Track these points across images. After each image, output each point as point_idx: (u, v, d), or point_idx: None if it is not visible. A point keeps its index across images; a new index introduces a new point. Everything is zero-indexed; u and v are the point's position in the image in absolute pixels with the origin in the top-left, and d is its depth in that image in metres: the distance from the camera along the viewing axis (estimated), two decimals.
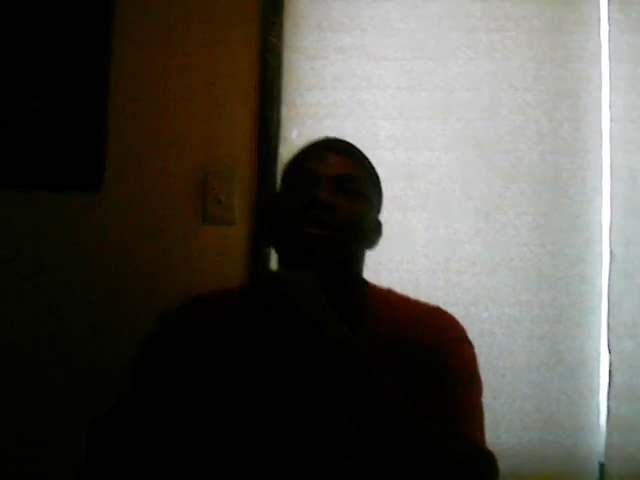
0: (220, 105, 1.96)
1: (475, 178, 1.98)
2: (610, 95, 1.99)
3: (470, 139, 1.98)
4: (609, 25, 2.00)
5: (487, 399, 1.33)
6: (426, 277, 1.95)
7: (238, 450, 1.23)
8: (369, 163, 1.41)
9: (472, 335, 1.38)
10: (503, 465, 1.29)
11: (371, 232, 1.39)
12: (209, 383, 1.30)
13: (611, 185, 1.97)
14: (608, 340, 1.92)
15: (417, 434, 1.16)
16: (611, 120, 1.98)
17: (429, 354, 1.28)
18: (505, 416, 1.89)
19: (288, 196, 1.33)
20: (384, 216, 1.49)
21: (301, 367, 1.26)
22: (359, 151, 1.41)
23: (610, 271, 1.94)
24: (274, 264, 1.90)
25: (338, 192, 1.29)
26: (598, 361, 1.93)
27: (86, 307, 1.92)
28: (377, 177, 1.42)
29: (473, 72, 2.01)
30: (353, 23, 2.02)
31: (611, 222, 1.96)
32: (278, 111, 1.99)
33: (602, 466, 1.90)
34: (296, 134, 1.97)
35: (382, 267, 1.92)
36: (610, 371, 1.91)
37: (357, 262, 1.38)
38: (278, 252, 1.38)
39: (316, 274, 1.20)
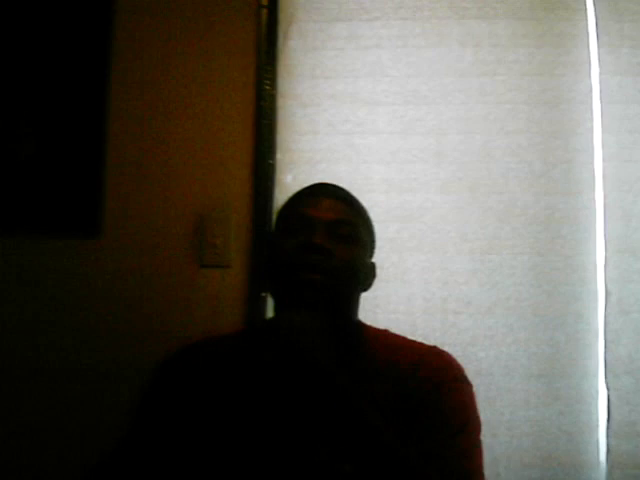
0: (216, 150, 2.22)
1: (470, 219, 2.29)
2: (602, 135, 2.30)
3: (464, 181, 2.29)
4: (599, 67, 2.32)
5: (486, 437, 1.50)
6: (423, 318, 2.25)
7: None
8: (361, 207, 1.61)
9: (470, 375, 1.56)
10: None
11: (365, 275, 1.57)
12: (209, 427, 1.53)
13: (605, 224, 2.26)
14: (605, 377, 2.21)
15: (415, 476, 1.33)
16: (603, 160, 2.29)
17: (427, 394, 1.45)
18: (504, 454, 2.17)
19: (284, 241, 1.50)
20: (380, 258, 1.70)
21: (300, 410, 1.43)
22: (351, 195, 1.60)
23: (606, 308, 2.24)
24: (270, 307, 2.31)
25: (333, 237, 1.48)
26: (596, 398, 2.21)
27: (86, 353, 2.22)
28: (369, 220, 1.62)
29: (465, 116, 2.33)
30: (345, 70, 2.36)
31: (606, 260, 2.25)
32: (273, 156, 2.30)
33: None
34: (291, 178, 2.29)
35: (379, 309, 2.25)
36: (608, 408, 2.19)
37: (352, 305, 1.56)
38: (274, 297, 1.56)
39: (324, 318, 1.39)
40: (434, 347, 1.59)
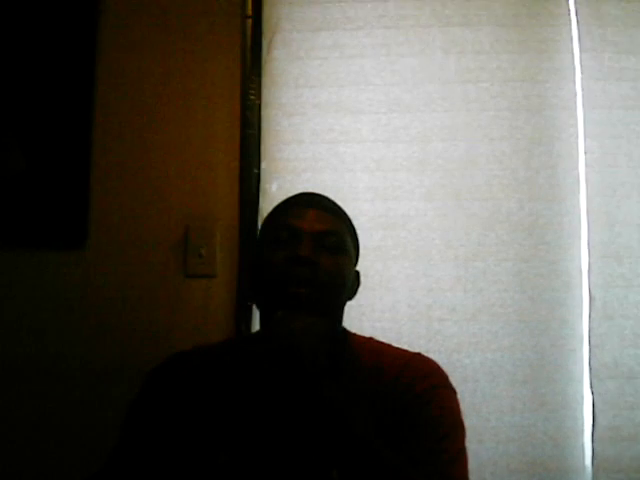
0: (201, 161, 2.24)
1: (454, 227, 2.30)
2: (585, 141, 2.32)
3: (448, 189, 2.31)
4: (582, 73, 2.34)
5: (472, 443, 1.53)
6: (408, 325, 2.26)
7: None
8: (346, 216, 1.62)
9: (455, 381, 1.58)
10: None
11: (351, 284, 1.59)
12: (197, 435, 1.54)
13: (589, 230, 2.28)
14: (590, 382, 2.23)
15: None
16: (587, 166, 2.31)
17: (412, 400, 1.47)
18: (490, 460, 2.19)
19: (271, 253, 1.51)
20: (365, 266, 1.72)
21: (292, 417, 1.44)
22: (336, 205, 1.62)
23: (590, 314, 2.26)
24: (256, 317, 2.34)
25: (319, 248, 1.49)
26: (581, 403, 2.22)
27: (72, 364, 2.23)
28: (354, 229, 1.63)
29: (449, 123, 2.35)
30: (329, 79, 2.37)
31: (590, 266, 2.27)
32: (258, 166, 2.33)
33: None
34: (276, 187, 2.30)
35: (364, 317, 2.26)
36: (593, 412, 2.21)
37: (338, 313, 1.58)
38: (260, 308, 1.58)
39: (328, 325, 1.42)
40: (418, 354, 1.60)
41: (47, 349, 2.24)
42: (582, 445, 2.22)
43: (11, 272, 2.26)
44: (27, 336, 2.24)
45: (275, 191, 2.30)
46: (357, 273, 1.65)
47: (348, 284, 1.57)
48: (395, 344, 1.65)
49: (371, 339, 1.65)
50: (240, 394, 1.53)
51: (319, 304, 1.47)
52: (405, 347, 1.65)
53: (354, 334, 1.64)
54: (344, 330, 1.63)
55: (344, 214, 1.64)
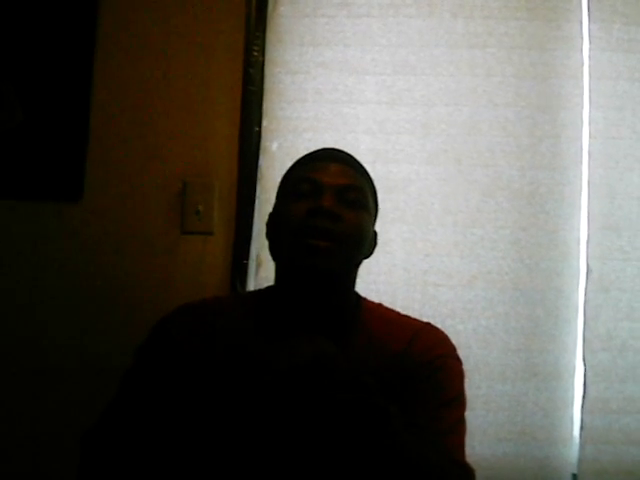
0: (200, 116, 2.20)
1: (454, 192, 2.28)
2: (590, 112, 2.30)
3: (450, 154, 2.28)
4: (590, 43, 2.31)
5: (465, 414, 1.52)
6: (403, 290, 2.25)
7: (230, 457, 1.42)
8: (367, 173, 1.60)
9: None
10: (477, 476, 1.52)
11: (369, 242, 1.57)
12: (201, 390, 1.53)
13: (589, 201, 2.26)
14: (583, 353, 2.22)
15: (404, 445, 1.33)
16: (590, 136, 2.29)
17: (419, 369, 1.47)
18: (479, 428, 2.18)
19: (291, 205, 1.49)
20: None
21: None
22: (358, 162, 1.60)
23: (586, 285, 2.24)
24: (252, 274, 2.32)
25: (341, 202, 1.47)
26: (573, 374, 2.22)
27: (66, 317, 2.22)
28: (374, 187, 1.61)
29: (454, 88, 2.32)
30: (335, 38, 2.34)
31: (588, 237, 2.25)
32: (259, 124, 2.30)
33: (575, 478, 2.19)
34: (276, 146, 2.27)
35: (360, 279, 2.23)
36: (585, 384, 2.21)
37: (354, 273, 1.57)
38: (278, 261, 1.55)
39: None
40: (428, 324, 1.60)
41: (40, 299, 2.23)
42: (571, 416, 2.22)
43: (8, 222, 2.24)
44: (19, 286, 2.23)
45: (275, 150, 2.27)
46: (375, 233, 1.62)
47: (367, 242, 1.55)
48: (390, 307, 1.64)
49: (381, 305, 1.63)
50: (244, 357, 1.53)
51: (340, 259, 1.45)
52: (399, 310, 1.65)
53: (365, 299, 1.62)
54: (357, 295, 1.61)
55: (366, 171, 1.61)
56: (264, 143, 2.23)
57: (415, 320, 1.60)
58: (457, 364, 1.56)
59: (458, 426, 1.49)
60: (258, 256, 2.20)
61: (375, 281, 2.24)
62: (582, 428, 2.21)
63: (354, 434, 1.34)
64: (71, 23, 2.29)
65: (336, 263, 1.44)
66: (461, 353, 1.69)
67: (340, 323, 1.48)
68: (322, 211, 1.43)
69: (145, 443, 1.51)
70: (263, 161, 2.21)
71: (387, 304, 1.65)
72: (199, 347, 1.57)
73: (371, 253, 1.61)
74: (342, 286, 1.53)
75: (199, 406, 1.51)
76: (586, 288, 2.25)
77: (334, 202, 1.46)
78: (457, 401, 1.51)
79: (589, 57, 2.31)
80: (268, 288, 1.68)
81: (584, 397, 2.21)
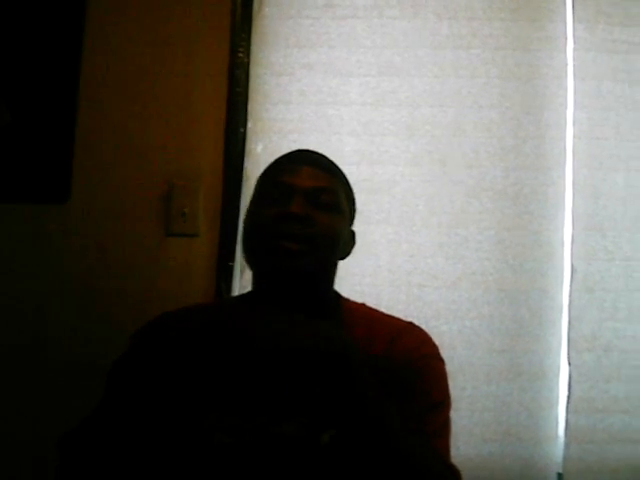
0: (186, 118, 2.21)
1: (438, 193, 2.28)
2: (574, 112, 2.30)
3: (434, 155, 2.28)
4: (574, 43, 2.32)
5: (450, 414, 1.50)
6: (388, 291, 2.25)
7: (208, 464, 1.40)
8: (342, 174, 1.58)
9: None
10: (463, 477, 1.51)
11: (344, 244, 1.55)
12: (181, 397, 1.51)
13: (573, 201, 2.27)
14: (568, 353, 2.23)
15: (395, 446, 1.32)
16: (574, 137, 2.29)
17: (402, 370, 1.44)
18: (465, 428, 2.19)
19: (262, 210, 1.47)
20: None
21: (278, 380, 1.40)
22: (332, 163, 1.57)
23: (571, 285, 2.25)
24: (237, 276, 2.32)
25: (312, 205, 1.44)
26: (557, 374, 2.23)
27: (52, 319, 2.21)
28: (350, 188, 1.59)
29: (438, 89, 2.32)
30: (320, 40, 2.34)
31: (573, 237, 2.26)
32: (244, 125, 2.31)
33: (560, 477, 2.20)
34: (261, 148, 2.27)
35: (344, 281, 2.19)
36: (569, 384, 2.22)
37: (331, 274, 1.55)
38: (252, 266, 1.53)
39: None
40: (410, 323, 1.58)
41: (26, 300, 2.23)
42: (556, 415, 2.23)
43: None
44: (8, 288, 2.23)
45: (260, 151, 2.28)
46: (352, 233, 1.61)
47: (342, 243, 1.53)
48: (373, 307, 1.62)
49: (363, 305, 1.62)
50: (222, 360, 1.51)
51: (312, 261, 1.44)
52: (384, 312, 1.62)
53: (346, 299, 1.61)
54: (336, 295, 1.60)
55: (339, 171, 1.59)
56: (249, 145, 2.24)
57: (398, 320, 1.58)
58: (440, 364, 1.54)
59: (444, 428, 1.48)
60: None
61: (360, 282, 2.25)
62: (567, 428, 2.22)
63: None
64: (58, 25, 2.29)
65: (309, 265, 1.43)
66: (446, 354, 1.69)
67: (317, 313, 1.43)
68: (292, 216, 1.42)
69: (123, 449, 1.51)
70: (248, 163, 2.21)
71: (372, 305, 1.63)
72: (180, 355, 1.56)
73: (348, 253, 1.60)
74: (319, 287, 1.52)
75: (180, 412, 1.49)
76: (570, 288, 2.25)
77: (304, 206, 1.44)
78: (442, 403, 1.50)
79: (573, 57, 2.32)
80: (249, 293, 1.67)
81: (569, 397, 2.22)
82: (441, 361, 1.56)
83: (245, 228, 1.61)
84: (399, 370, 1.46)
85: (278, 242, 1.41)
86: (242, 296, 1.71)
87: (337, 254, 1.54)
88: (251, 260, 1.54)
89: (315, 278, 1.47)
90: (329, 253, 1.50)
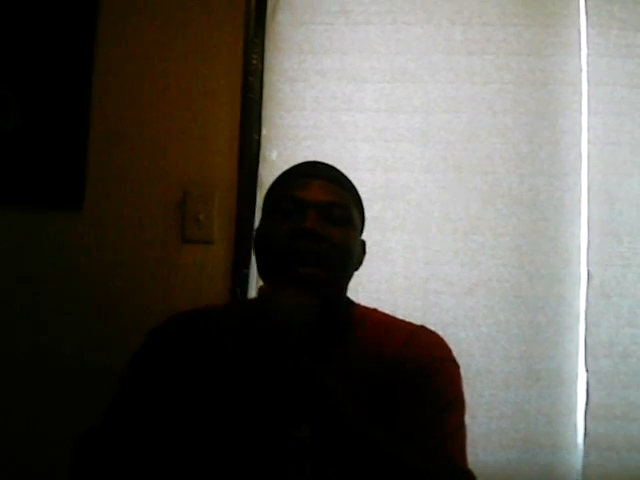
0: (200, 125, 2.21)
1: (454, 200, 2.28)
2: (589, 118, 2.29)
3: (449, 161, 2.28)
4: (588, 48, 2.31)
5: (465, 418, 1.48)
6: (404, 297, 2.24)
7: (223, 463, 1.41)
8: (352, 186, 1.56)
9: None
10: None
11: (357, 257, 1.54)
12: (195, 396, 1.52)
13: (589, 207, 2.26)
14: (585, 359, 2.22)
15: (391, 460, 1.32)
16: (589, 142, 2.28)
17: (415, 373, 1.44)
18: (483, 435, 2.18)
19: (274, 225, 1.47)
20: (363, 236, 1.71)
21: (277, 388, 1.44)
22: (342, 175, 1.56)
23: (588, 292, 2.23)
24: (253, 283, 2.30)
25: (325, 220, 1.43)
26: (575, 380, 2.22)
27: (67, 325, 2.21)
28: (359, 198, 1.58)
29: (453, 95, 2.31)
30: (334, 46, 2.33)
31: (589, 243, 2.25)
32: (258, 132, 2.29)
33: None
34: (276, 155, 2.27)
35: (361, 287, 2.25)
36: (587, 390, 2.21)
37: (344, 283, 1.55)
38: (264, 278, 1.53)
39: (316, 303, 1.36)
40: (422, 327, 1.57)
41: (41, 307, 2.23)
42: (575, 423, 2.21)
43: (7, 231, 2.24)
44: (20, 295, 2.23)
45: (275, 158, 2.27)
46: (363, 242, 1.61)
47: (354, 257, 1.53)
48: (384, 312, 1.62)
49: (375, 310, 1.61)
50: (231, 363, 1.52)
51: (325, 277, 1.43)
52: (395, 316, 1.62)
53: (358, 305, 1.60)
54: (349, 301, 1.59)
55: (349, 183, 1.58)
56: (264, 152, 2.23)
57: (409, 324, 1.57)
58: (454, 367, 1.54)
59: (458, 431, 1.46)
60: None
61: (376, 289, 2.24)
62: (586, 435, 2.20)
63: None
64: (71, 29, 2.29)
65: (322, 280, 1.43)
66: (463, 361, 1.68)
67: (333, 331, 1.47)
68: (306, 232, 1.41)
69: (139, 450, 1.51)
70: (263, 170, 2.20)
71: (388, 312, 1.63)
72: (191, 355, 1.56)
73: (360, 264, 1.59)
74: (334, 300, 1.50)
75: (192, 413, 1.50)
76: (587, 294, 2.24)
77: (318, 221, 1.43)
78: (456, 405, 1.48)
79: (587, 63, 2.31)
80: (254, 300, 1.64)
81: (587, 404, 2.21)
82: (454, 363, 1.55)
83: (257, 242, 1.60)
84: (412, 373, 1.46)
85: (293, 264, 1.41)
86: (246, 303, 1.74)
87: (351, 268, 1.54)
88: (263, 273, 1.53)
89: (330, 294, 1.47)
90: (344, 269, 1.51)
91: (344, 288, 1.56)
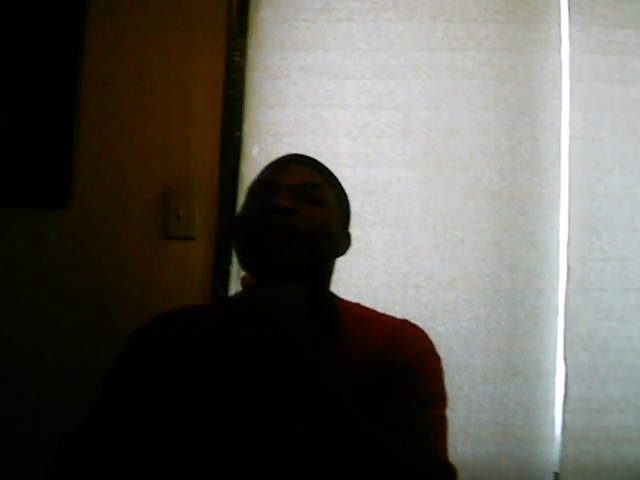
0: (181, 122, 2.22)
1: (434, 195, 2.30)
2: (570, 113, 2.32)
3: (430, 157, 2.30)
4: (570, 45, 2.33)
5: (446, 411, 1.48)
6: (384, 292, 2.26)
7: (210, 465, 1.41)
8: (331, 174, 1.57)
9: None
10: (460, 477, 1.51)
11: (335, 239, 1.52)
12: (182, 397, 1.52)
13: (569, 202, 2.29)
14: (564, 353, 2.25)
15: (376, 449, 1.31)
16: (570, 138, 2.31)
17: (398, 367, 1.44)
18: (462, 428, 2.21)
19: (249, 209, 1.49)
20: None
21: (273, 383, 1.43)
22: (320, 163, 1.57)
23: (567, 286, 2.26)
24: (234, 279, 2.33)
25: (299, 200, 1.43)
26: (554, 374, 2.24)
27: (51, 322, 2.23)
28: (341, 189, 1.59)
29: (434, 91, 2.33)
30: (315, 43, 2.35)
31: (568, 238, 2.27)
32: (240, 128, 2.32)
33: (557, 476, 2.22)
34: (257, 151, 2.29)
35: (341, 282, 2.24)
36: (566, 383, 2.24)
37: (325, 271, 1.53)
38: (242, 264, 1.51)
39: (303, 288, 1.31)
40: (405, 321, 1.58)
41: (25, 303, 2.25)
42: (553, 416, 2.24)
43: None
44: (7, 291, 2.24)
45: (256, 155, 2.29)
46: (348, 234, 1.61)
47: (332, 238, 1.51)
48: (367, 306, 1.61)
49: (358, 305, 1.61)
50: (218, 361, 1.51)
51: (300, 252, 1.41)
52: (378, 310, 1.61)
53: (341, 299, 1.59)
54: (332, 295, 1.59)
55: (327, 171, 1.59)
56: (245, 148, 2.25)
57: (392, 318, 1.58)
58: (436, 361, 1.54)
59: (440, 424, 1.47)
60: None
61: (356, 284, 2.26)
62: (563, 427, 2.23)
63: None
64: (57, 30, 2.31)
65: (297, 256, 1.40)
66: (442, 355, 1.70)
67: (316, 324, 1.39)
68: (275, 209, 1.40)
69: (123, 452, 1.52)
70: (244, 166, 2.22)
71: (368, 307, 1.62)
72: (176, 355, 1.57)
73: (343, 253, 1.59)
74: (312, 284, 1.43)
75: (178, 413, 1.51)
76: (566, 289, 2.26)
77: (290, 200, 1.43)
78: (437, 399, 1.49)
79: (569, 59, 2.33)
80: (238, 296, 1.65)
81: (565, 397, 2.24)
82: (437, 357, 1.55)
83: (233, 228, 1.64)
84: (395, 367, 1.46)
85: (263, 237, 1.40)
86: (233, 299, 1.70)
87: (326, 247, 1.50)
88: (240, 259, 1.52)
89: (304, 271, 1.42)
90: (316, 244, 1.45)
91: (324, 273, 1.54)
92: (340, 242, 1.57)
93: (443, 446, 1.51)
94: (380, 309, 1.69)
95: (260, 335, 1.30)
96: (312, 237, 1.43)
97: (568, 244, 2.27)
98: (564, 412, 2.23)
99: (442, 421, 1.54)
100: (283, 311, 1.31)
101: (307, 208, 1.45)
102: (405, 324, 1.58)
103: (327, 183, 1.60)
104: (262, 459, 1.45)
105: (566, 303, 2.25)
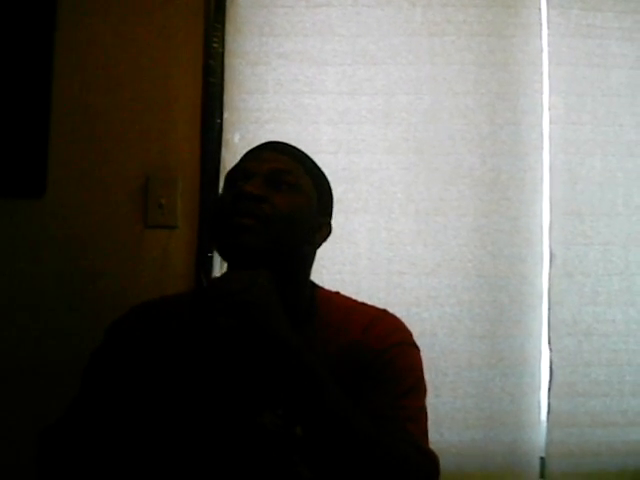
0: (161, 110, 2.21)
1: (416, 181, 2.30)
2: (550, 97, 2.33)
3: (411, 142, 2.30)
4: (549, 29, 2.34)
5: (429, 398, 1.52)
6: (368, 279, 2.27)
7: (186, 455, 1.41)
8: (310, 161, 1.57)
9: (414, 335, 1.57)
10: (446, 463, 1.53)
11: (308, 227, 1.51)
12: (158, 389, 1.53)
13: (551, 186, 2.30)
14: (549, 338, 2.26)
15: (360, 436, 1.33)
16: (551, 122, 2.32)
17: (375, 357, 1.46)
18: (447, 414, 2.21)
19: (222, 195, 1.52)
20: None
21: (251, 372, 1.42)
22: (298, 150, 1.57)
23: (550, 271, 2.27)
24: (217, 267, 2.32)
25: (271, 186, 1.44)
26: (539, 359, 2.26)
27: (28, 312, 2.22)
28: (321, 176, 1.59)
29: (414, 76, 2.33)
30: (295, 29, 2.35)
31: (551, 223, 2.29)
32: (220, 116, 2.31)
33: (543, 460, 2.25)
34: (238, 138, 2.28)
35: (325, 269, 2.26)
36: (551, 368, 2.25)
37: (300, 259, 1.52)
38: (217, 250, 1.51)
39: (270, 274, 1.34)
40: (384, 311, 1.58)
41: (5, 297, 2.23)
42: (538, 400, 2.25)
43: None
44: None
45: (237, 142, 2.28)
46: (324, 222, 1.59)
47: (306, 226, 1.51)
48: (355, 297, 1.63)
49: (338, 294, 1.62)
50: (196, 351, 1.52)
51: (264, 236, 1.41)
52: (364, 300, 1.63)
53: (321, 288, 1.60)
54: (312, 284, 1.59)
55: (306, 158, 1.59)
56: (226, 135, 2.24)
57: (371, 308, 1.58)
58: (414, 351, 1.55)
59: (419, 414, 1.49)
60: None
61: (340, 271, 2.26)
62: (549, 412, 2.25)
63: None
64: (30, 19, 2.28)
65: (263, 240, 1.40)
66: (427, 340, 1.71)
67: (294, 314, 1.42)
68: (245, 195, 1.41)
69: (103, 443, 1.52)
70: (225, 153, 2.21)
71: (352, 293, 1.64)
72: (153, 346, 1.57)
73: (320, 242, 1.58)
74: (281, 271, 1.43)
75: (154, 405, 1.52)
76: (550, 274, 2.28)
77: (261, 186, 1.44)
78: (416, 389, 1.50)
79: (548, 43, 2.34)
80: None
81: (550, 381, 2.25)
82: (415, 347, 1.57)
83: (208, 214, 1.59)
84: (373, 357, 1.47)
85: (229, 220, 1.41)
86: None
87: (296, 234, 1.49)
88: (214, 242, 1.52)
89: (271, 254, 1.42)
90: (283, 230, 1.44)
91: (298, 260, 1.53)
92: (315, 230, 1.55)
93: (423, 433, 1.51)
94: (364, 296, 1.70)
95: (222, 323, 1.33)
96: (279, 223, 1.43)
97: (551, 229, 2.28)
98: (549, 397, 2.24)
99: (421, 411, 1.54)
100: (248, 298, 1.33)
101: (278, 196, 1.45)
102: (383, 314, 1.59)
103: (303, 170, 1.59)
104: (231, 449, 1.47)
105: (550, 288, 2.26)
